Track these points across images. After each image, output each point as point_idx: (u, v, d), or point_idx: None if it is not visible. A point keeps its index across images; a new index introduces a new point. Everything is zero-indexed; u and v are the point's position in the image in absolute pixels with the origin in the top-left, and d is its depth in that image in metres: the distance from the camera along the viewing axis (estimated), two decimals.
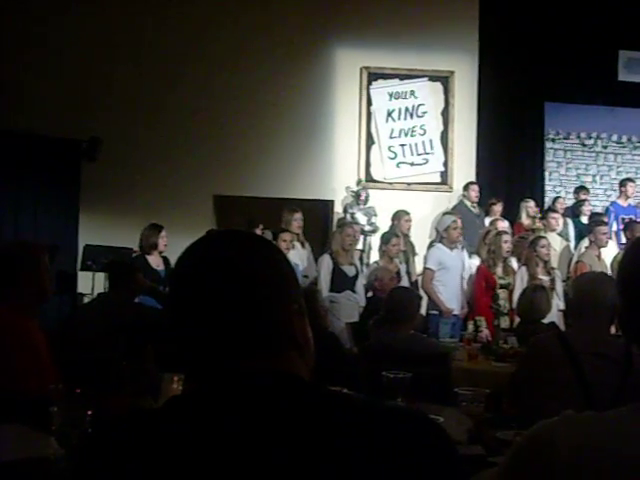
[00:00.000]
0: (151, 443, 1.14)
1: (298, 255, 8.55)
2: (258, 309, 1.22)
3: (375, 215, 9.86)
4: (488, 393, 3.21)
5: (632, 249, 1.47)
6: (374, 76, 10.75)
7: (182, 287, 1.27)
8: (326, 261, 7.99)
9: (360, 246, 9.36)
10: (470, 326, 7.49)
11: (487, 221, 9.73)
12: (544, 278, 7.82)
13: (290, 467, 1.10)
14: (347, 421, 1.15)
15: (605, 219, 9.45)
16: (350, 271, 7.99)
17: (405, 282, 8.08)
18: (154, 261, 7.59)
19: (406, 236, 9.05)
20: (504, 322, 7.55)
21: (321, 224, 10.18)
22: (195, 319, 1.23)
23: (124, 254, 8.21)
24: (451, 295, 8.22)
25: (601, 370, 3.37)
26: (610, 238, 8.68)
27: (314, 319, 4.76)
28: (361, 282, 7.96)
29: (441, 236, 8.45)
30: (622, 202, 10.43)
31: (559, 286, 7.75)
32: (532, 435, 1.36)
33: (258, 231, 8.52)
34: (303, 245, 8.87)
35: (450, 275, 8.24)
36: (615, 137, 11.79)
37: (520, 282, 7.73)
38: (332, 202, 10.50)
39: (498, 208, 10.01)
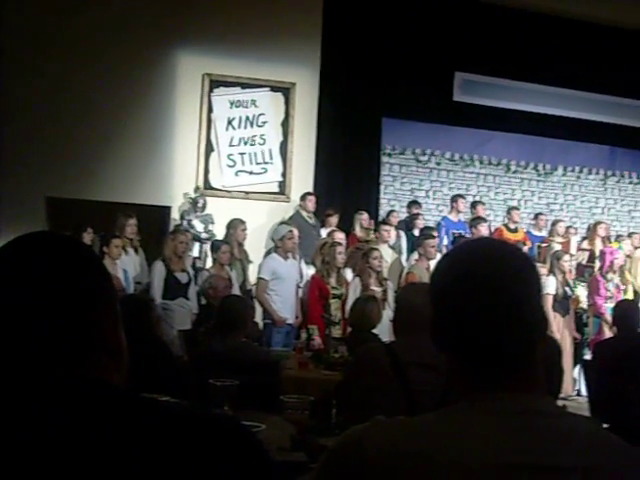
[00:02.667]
0: None
1: (131, 261, 8.40)
2: (68, 313, 1.18)
3: (212, 223, 9.78)
4: (313, 401, 3.23)
5: (443, 262, 1.50)
6: (216, 83, 10.68)
7: None
8: (159, 268, 7.87)
9: (196, 253, 9.28)
10: (303, 335, 7.57)
11: (323, 232, 9.85)
12: (376, 289, 8.00)
13: (100, 477, 1.06)
14: (153, 427, 1.12)
15: (435, 233, 9.75)
16: (183, 278, 7.90)
17: (237, 290, 8.06)
18: None
19: (240, 245, 9.03)
20: (336, 331, 7.65)
21: (157, 230, 9.99)
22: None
23: None
24: (285, 304, 8.28)
25: (426, 380, 3.44)
26: (440, 251, 8.95)
27: (146, 327, 4.70)
28: (194, 289, 7.89)
29: (276, 246, 8.50)
30: (453, 217, 10.83)
31: (391, 297, 7.92)
32: (342, 440, 1.37)
33: (87, 235, 8.30)
34: (137, 251, 8.71)
35: (284, 285, 8.29)
36: (448, 154, 12.24)
37: (353, 292, 7.87)
38: (169, 208, 10.34)
39: (334, 219, 10.14)
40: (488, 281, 1.37)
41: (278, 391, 4.35)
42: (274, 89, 10.88)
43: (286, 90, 10.91)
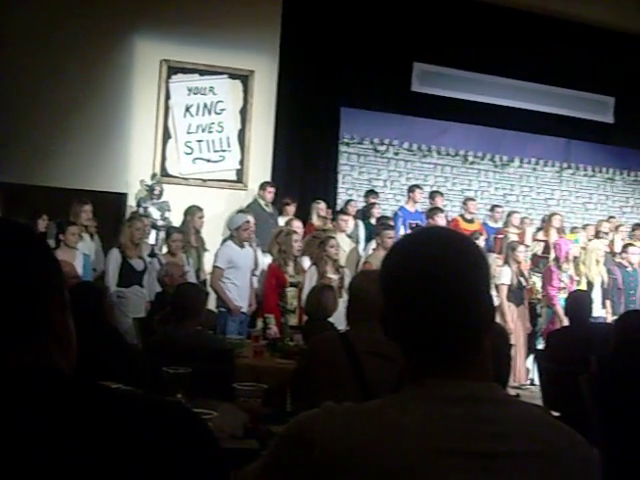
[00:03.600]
0: None
1: (87, 248, 8.31)
2: (14, 299, 1.16)
3: (169, 210, 9.71)
4: (266, 389, 3.23)
5: (392, 251, 1.50)
6: (173, 70, 10.59)
7: None
8: (114, 255, 7.82)
9: (152, 241, 9.22)
10: (259, 323, 7.57)
11: (281, 220, 9.84)
12: (333, 277, 8.02)
13: (50, 466, 1.05)
14: (100, 413, 1.11)
15: (392, 223, 9.80)
16: (138, 265, 7.85)
17: (193, 278, 8.03)
18: None
19: (197, 232, 8.99)
20: (293, 320, 7.66)
21: (113, 217, 9.90)
22: None
23: None
24: (240, 293, 8.27)
25: (380, 369, 3.45)
26: None
27: (99, 314, 4.66)
28: (150, 277, 7.84)
29: (232, 234, 8.48)
30: (410, 207, 10.88)
31: (347, 285, 7.93)
32: (291, 426, 1.37)
33: (42, 222, 8.21)
34: (92, 238, 8.63)
35: (240, 273, 8.28)
36: (406, 145, 12.27)
37: (310, 281, 7.88)
38: (125, 195, 10.25)
39: (292, 208, 10.13)
40: (434, 271, 1.37)
41: (232, 379, 4.34)
42: (233, 76, 10.82)
43: (245, 78, 10.86)
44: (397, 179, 12.14)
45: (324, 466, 1.27)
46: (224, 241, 8.94)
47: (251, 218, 8.66)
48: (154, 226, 9.37)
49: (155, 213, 9.63)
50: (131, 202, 10.16)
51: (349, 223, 9.83)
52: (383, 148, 12.07)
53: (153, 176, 10.17)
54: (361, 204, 11.09)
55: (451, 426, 1.29)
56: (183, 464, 1.12)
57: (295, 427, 1.36)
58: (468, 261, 1.41)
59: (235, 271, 8.23)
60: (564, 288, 8.89)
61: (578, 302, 6.54)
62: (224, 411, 2.94)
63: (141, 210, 9.61)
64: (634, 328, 4.46)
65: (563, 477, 1.32)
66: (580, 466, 1.36)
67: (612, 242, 11.06)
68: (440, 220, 9.87)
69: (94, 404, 1.13)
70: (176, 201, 9.76)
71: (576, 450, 1.38)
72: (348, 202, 10.79)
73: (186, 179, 10.49)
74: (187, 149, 10.55)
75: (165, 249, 8.61)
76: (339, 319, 6.37)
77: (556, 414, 5.42)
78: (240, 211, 9.27)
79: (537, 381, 7.66)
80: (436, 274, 1.37)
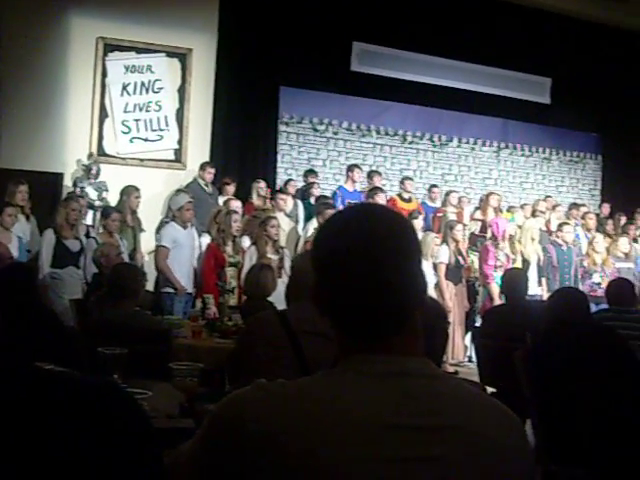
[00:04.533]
0: None
1: (22, 229, 8.17)
2: None
3: (106, 190, 9.58)
4: (202, 368, 3.22)
5: (323, 228, 1.50)
6: (110, 47, 10.44)
7: None
8: (48, 236, 7.70)
9: (90, 221, 9.09)
10: (198, 304, 7.54)
11: (220, 200, 9.80)
12: (273, 257, 8.03)
13: None
14: (32, 393, 1.10)
15: (331, 202, 9.82)
16: (74, 246, 7.74)
17: (127, 259, 7.94)
18: None
19: (134, 212, 8.90)
20: (232, 300, 7.65)
21: (49, 197, 9.74)
22: None
23: None
24: (183, 273, 8.22)
25: (319, 348, 3.45)
26: None
27: (30, 295, 4.58)
28: (86, 257, 7.73)
29: (174, 215, 8.42)
30: (349, 187, 10.90)
31: (287, 265, 7.94)
32: (224, 403, 1.37)
33: None
34: (28, 219, 8.48)
35: (183, 253, 8.24)
36: (345, 124, 12.29)
37: (249, 261, 7.87)
38: (61, 175, 10.08)
39: (231, 188, 10.09)
40: (364, 247, 1.37)
41: (169, 359, 4.32)
42: (170, 55, 10.71)
43: (183, 56, 10.76)
44: (336, 158, 12.16)
45: (255, 444, 1.27)
46: (163, 221, 8.87)
47: (192, 198, 8.62)
48: (91, 206, 9.25)
49: (92, 193, 9.50)
50: (67, 182, 10.01)
51: (288, 202, 9.83)
52: (322, 127, 12.08)
53: (90, 156, 10.03)
54: (300, 183, 11.09)
55: (382, 401, 1.30)
56: (114, 443, 1.11)
57: (226, 405, 1.36)
58: (398, 238, 1.42)
59: (178, 251, 8.19)
60: (500, 266, 9.01)
61: (514, 280, 6.63)
62: (160, 391, 2.93)
63: (78, 190, 9.46)
64: (565, 305, 4.54)
65: (493, 450, 1.34)
66: (509, 438, 1.38)
67: (549, 221, 11.24)
68: (380, 200, 9.91)
69: (24, 384, 1.12)
70: (114, 181, 9.64)
71: (505, 423, 1.40)
72: (287, 181, 10.79)
73: (124, 159, 10.36)
74: (124, 128, 10.42)
75: (101, 229, 8.50)
76: (278, 299, 6.38)
77: (492, 390, 5.51)
78: (179, 191, 9.20)
79: (475, 358, 7.77)
80: (366, 250, 1.37)
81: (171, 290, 8.10)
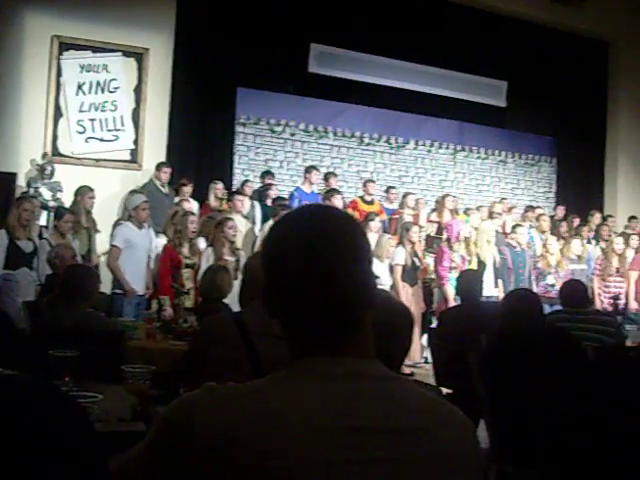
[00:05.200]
0: None
1: None
2: None
3: (60, 190, 9.46)
4: (154, 370, 3.20)
5: (274, 228, 1.50)
6: (65, 46, 10.30)
7: None
8: (1, 236, 7.58)
9: (43, 222, 8.98)
10: (154, 305, 7.48)
11: (177, 201, 9.74)
12: (230, 259, 8.00)
13: None
14: None
15: (288, 203, 9.81)
16: (27, 247, 7.64)
17: (80, 260, 7.86)
18: None
19: (89, 213, 8.81)
20: (188, 302, 7.59)
21: (2, 198, 9.59)
22: None
23: None
24: (137, 274, 8.17)
25: (274, 349, 3.43)
26: None
27: None
28: (40, 259, 7.64)
29: (129, 215, 8.35)
30: (306, 188, 10.91)
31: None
32: (171, 407, 1.35)
33: None
34: None
35: (137, 254, 8.19)
36: (303, 125, 12.30)
37: (206, 262, 7.83)
38: (15, 175, 9.93)
39: (188, 189, 10.03)
40: (314, 248, 1.37)
41: (122, 362, 4.27)
42: (127, 54, 10.62)
43: (139, 56, 10.66)
44: (293, 160, 12.16)
45: (203, 448, 1.26)
46: (118, 221, 8.80)
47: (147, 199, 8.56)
48: (45, 207, 9.13)
49: (46, 193, 9.39)
50: (21, 182, 9.85)
51: (245, 204, 9.80)
52: (280, 129, 12.07)
53: (44, 155, 9.90)
54: (257, 185, 11.06)
55: (332, 403, 1.30)
56: (56, 447, 1.09)
57: (175, 409, 1.34)
58: (348, 238, 1.41)
59: (132, 252, 8.13)
60: (455, 268, 9.07)
61: (468, 281, 6.68)
62: (112, 394, 2.90)
63: (31, 190, 9.34)
64: (518, 307, 4.59)
65: (442, 452, 1.34)
66: (459, 441, 1.38)
67: (504, 223, 11.35)
68: (336, 201, 9.93)
69: None
70: (68, 181, 9.52)
71: (456, 425, 1.40)
72: (244, 183, 10.75)
73: (79, 159, 10.24)
74: (79, 128, 10.30)
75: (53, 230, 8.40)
76: (235, 301, 6.36)
77: (447, 391, 5.55)
78: (135, 191, 9.12)
79: (431, 359, 7.81)
80: (316, 251, 1.37)
81: (121, 291, 8.04)
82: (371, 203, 11.22)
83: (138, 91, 10.64)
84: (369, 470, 1.27)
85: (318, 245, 1.37)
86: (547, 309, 8.04)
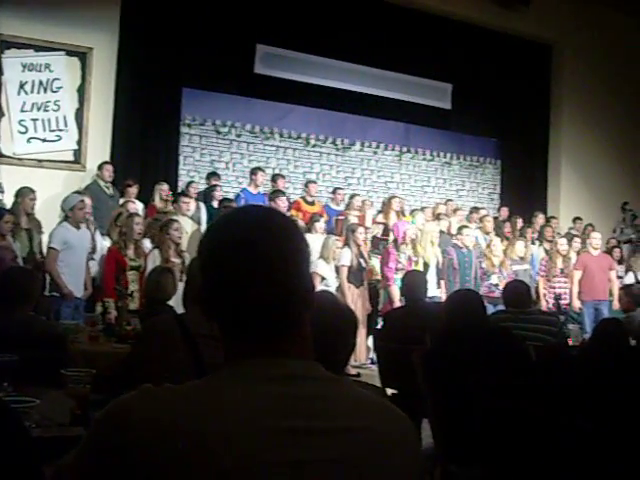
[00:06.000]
0: None
1: None
2: None
3: (2, 192, 9.29)
4: (95, 374, 3.15)
5: (211, 228, 1.49)
6: (6, 44, 10.11)
7: None
8: None
9: None
10: (99, 308, 7.40)
11: (122, 202, 9.64)
12: (176, 261, 7.95)
13: None
14: None
15: (234, 205, 9.76)
16: None
17: (21, 262, 7.74)
18: None
19: (30, 214, 8.67)
20: (134, 304, 7.53)
21: None
22: None
23: None
24: (75, 276, 8.06)
25: (217, 352, 3.41)
26: None
27: None
28: None
29: (66, 215, 8.25)
30: (252, 189, 10.88)
31: None
32: (108, 409, 1.33)
33: None
34: None
35: (76, 255, 8.09)
36: (249, 127, 12.26)
37: (152, 264, 7.76)
38: None
39: (133, 190, 9.94)
40: (251, 248, 1.36)
41: (64, 365, 4.21)
42: (70, 53, 10.47)
43: (83, 55, 10.53)
44: (239, 161, 12.12)
45: (138, 452, 1.24)
46: (59, 223, 8.69)
47: (86, 198, 8.46)
48: None
49: None
50: None
51: (191, 205, 9.72)
52: (225, 130, 12.02)
53: None
54: (203, 186, 11.00)
55: (271, 405, 1.29)
56: None
57: (110, 412, 1.32)
58: (285, 238, 1.41)
59: (71, 253, 8.01)
60: (401, 269, 9.12)
61: (412, 282, 6.72)
62: (51, 399, 2.85)
63: None
64: (460, 307, 4.63)
65: (381, 453, 1.35)
66: (398, 440, 1.39)
67: (450, 224, 11.44)
68: (282, 203, 9.93)
69: None
70: (10, 182, 9.35)
71: (395, 425, 1.41)
72: (190, 184, 10.68)
73: (20, 159, 10.06)
74: (21, 128, 10.13)
75: None
76: (180, 303, 6.31)
77: (393, 391, 5.58)
78: (76, 192, 9.00)
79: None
80: (254, 252, 1.36)
81: (57, 294, 7.92)
82: (313, 204, 11.25)
83: (82, 91, 10.51)
84: (308, 471, 1.27)
85: (256, 245, 1.37)
86: (491, 309, 8.15)
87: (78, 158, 10.42)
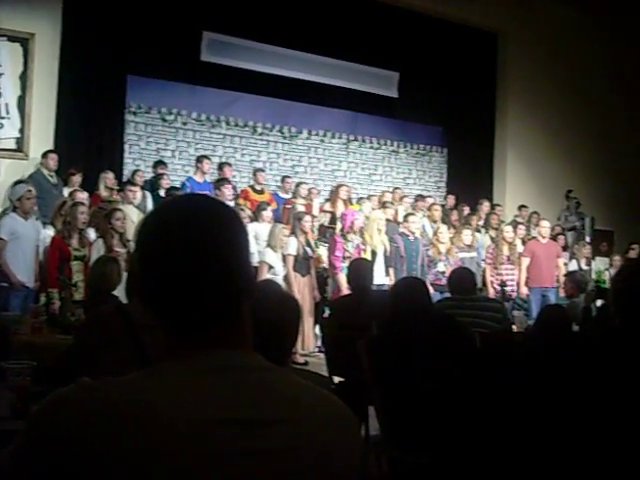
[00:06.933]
0: None
1: None
2: None
3: None
4: (35, 366, 3.11)
5: (148, 218, 1.47)
6: None
7: None
8: None
9: None
10: (42, 299, 7.30)
11: (66, 191, 9.52)
12: (120, 250, 7.87)
13: None
14: None
15: (181, 194, 9.69)
16: None
17: None
18: None
19: None
20: (78, 294, 7.45)
21: None
22: None
23: None
24: (24, 267, 7.97)
25: (161, 343, 3.38)
26: None
27: None
28: None
29: (14, 206, 8.13)
30: (198, 178, 10.80)
31: None
32: (44, 403, 1.31)
33: None
34: None
35: (23, 246, 8.01)
36: (195, 115, 12.18)
37: (97, 254, 7.69)
38: None
39: (77, 178, 9.82)
40: (189, 237, 1.35)
41: (7, 357, 4.15)
42: (12, 39, 10.27)
43: (25, 41, 10.33)
44: (185, 149, 12.03)
45: (74, 444, 1.23)
46: (3, 212, 8.55)
47: (33, 188, 8.32)
48: None
49: None
50: None
51: (137, 194, 9.63)
52: (171, 118, 11.92)
53: None
54: (149, 175, 10.90)
55: (209, 396, 1.28)
56: None
57: (46, 406, 1.30)
58: (226, 227, 1.40)
59: (18, 244, 7.92)
60: (349, 257, 9.13)
61: (358, 270, 6.74)
62: None
63: None
64: (405, 294, 4.64)
65: (322, 440, 1.35)
66: (337, 431, 1.39)
67: (396, 212, 11.49)
68: (227, 191, 9.89)
69: None
70: None
71: (333, 414, 1.41)
72: (135, 172, 10.58)
73: None
74: None
75: None
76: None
77: (340, 379, 5.59)
78: (20, 181, 8.85)
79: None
80: (192, 241, 1.35)
81: (6, 284, 7.82)
82: (261, 192, 11.23)
83: (24, 78, 10.32)
84: (247, 462, 1.27)
85: (190, 234, 1.35)
86: (437, 296, 8.21)
87: (21, 146, 10.24)
